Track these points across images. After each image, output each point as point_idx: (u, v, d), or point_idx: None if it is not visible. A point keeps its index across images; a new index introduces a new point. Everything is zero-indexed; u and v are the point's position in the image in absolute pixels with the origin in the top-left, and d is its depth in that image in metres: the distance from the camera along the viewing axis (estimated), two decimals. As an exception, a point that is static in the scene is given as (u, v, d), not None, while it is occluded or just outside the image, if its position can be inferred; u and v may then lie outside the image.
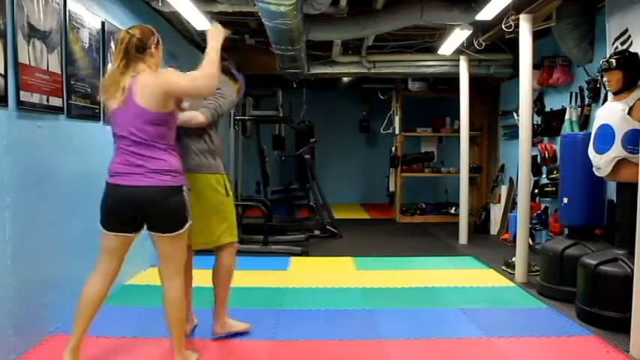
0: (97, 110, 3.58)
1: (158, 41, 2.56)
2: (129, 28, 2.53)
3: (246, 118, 6.25)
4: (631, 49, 3.61)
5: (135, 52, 2.43)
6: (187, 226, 2.53)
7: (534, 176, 5.57)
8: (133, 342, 2.95)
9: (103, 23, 3.65)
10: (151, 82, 2.41)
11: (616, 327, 3.10)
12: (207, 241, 2.94)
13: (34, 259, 2.81)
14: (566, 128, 4.92)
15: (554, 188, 5.11)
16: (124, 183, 2.42)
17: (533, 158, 5.22)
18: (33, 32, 2.74)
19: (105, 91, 2.47)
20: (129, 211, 2.45)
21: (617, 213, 3.52)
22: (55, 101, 3.01)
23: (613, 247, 3.48)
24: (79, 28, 3.30)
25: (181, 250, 2.58)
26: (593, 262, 3.31)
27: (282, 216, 7.81)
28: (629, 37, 3.77)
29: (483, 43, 5.38)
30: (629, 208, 3.08)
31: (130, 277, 4.20)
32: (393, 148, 8.49)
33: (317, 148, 8.39)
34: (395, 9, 4.88)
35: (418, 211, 8.35)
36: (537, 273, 4.30)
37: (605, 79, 3.45)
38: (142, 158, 2.41)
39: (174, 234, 2.49)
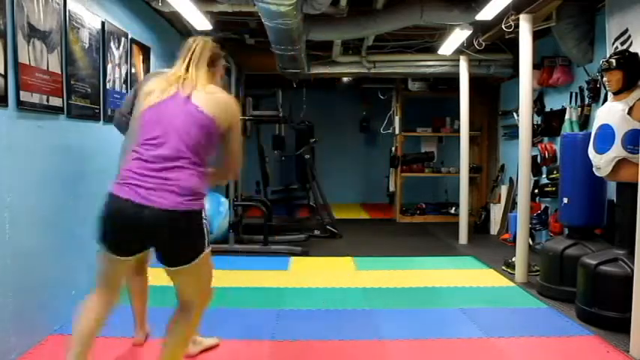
0: (97, 110, 3.59)
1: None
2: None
3: (246, 118, 6.25)
4: (631, 49, 3.61)
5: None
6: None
7: (534, 176, 5.57)
8: (132, 342, 2.94)
9: (103, 23, 3.65)
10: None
11: (616, 327, 3.10)
12: None
13: (34, 259, 2.81)
14: (566, 128, 4.92)
15: (554, 188, 5.11)
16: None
17: (533, 158, 5.22)
18: (33, 32, 2.74)
19: None
20: None
21: (617, 213, 3.52)
22: (55, 101, 3.01)
23: (613, 247, 3.48)
24: (79, 28, 3.29)
25: None
26: (593, 262, 3.31)
27: (282, 216, 7.80)
28: (629, 37, 3.77)
29: (483, 43, 5.38)
30: (629, 208, 3.08)
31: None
32: (393, 148, 8.49)
33: (317, 148, 8.38)
34: (395, 9, 4.87)
35: (418, 211, 8.34)
36: (537, 273, 4.30)
37: (605, 79, 3.45)
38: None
39: None
